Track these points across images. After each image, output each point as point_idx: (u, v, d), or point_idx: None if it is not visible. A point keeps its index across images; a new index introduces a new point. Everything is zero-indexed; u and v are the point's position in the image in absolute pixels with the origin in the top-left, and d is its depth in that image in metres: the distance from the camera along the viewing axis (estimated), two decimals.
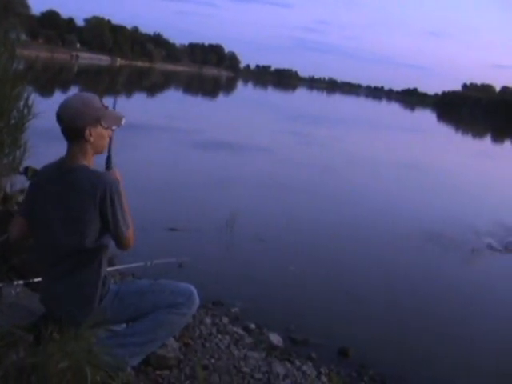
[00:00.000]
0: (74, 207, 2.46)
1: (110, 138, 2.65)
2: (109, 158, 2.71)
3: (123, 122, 2.59)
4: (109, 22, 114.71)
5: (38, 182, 2.62)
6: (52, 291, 2.57)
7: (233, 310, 4.53)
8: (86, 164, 2.49)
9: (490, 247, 7.62)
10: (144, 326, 2.65)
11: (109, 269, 2.85)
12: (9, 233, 2.77)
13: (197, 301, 2.76)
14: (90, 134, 2.46)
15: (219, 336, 3.83)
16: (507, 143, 39.94)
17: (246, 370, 3.40)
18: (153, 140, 13.56)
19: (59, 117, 2.46)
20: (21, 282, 3.34)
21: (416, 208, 10.03)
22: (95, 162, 2.58)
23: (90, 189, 2.42)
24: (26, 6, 78.73)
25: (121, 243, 2.55)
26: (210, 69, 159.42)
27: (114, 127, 2.56)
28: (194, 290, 2.76)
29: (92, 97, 2.54)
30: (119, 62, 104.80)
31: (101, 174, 2.48)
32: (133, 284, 2.78)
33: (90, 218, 2.44)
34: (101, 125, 2.50)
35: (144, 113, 18.87)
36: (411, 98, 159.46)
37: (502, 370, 4.40)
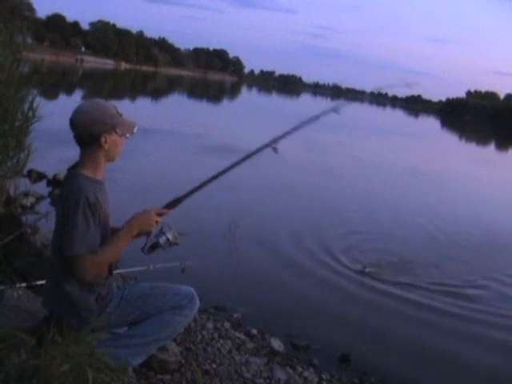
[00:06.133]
0: (58, 216, 2.47)
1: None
2: (177, 201, 2.70)
3: (136, 129, 2.59)
4: (114, 25, 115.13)
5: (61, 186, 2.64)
6: (52, 294, 2.56)
7: (235, 315, 4.52)
8: (84, 173, 2.47)
9: None
10: (148, 327, 2.67)
11: None
12: None
13: (197, 303, 2.80)
14: (106, 141, 2.46)
15: (221, 341, 3.84)
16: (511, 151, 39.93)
17: (247, 375, 3.40)
18: (157, 144, 13.57)
19: (73, 122, 2.45)
20: (23, 284, 3.34)
21: (418, 211, 10.03)
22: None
23: (66, 199, 2.41)
24: (32, 10, 79.15)
25: (71, 265, 2.39)
26: (214, 74, 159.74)
27: (127, 135, 2.55)
28: (195, 293, 2.79)
29: (107, 104, 2.54)
30: (124, 66, 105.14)
31: (79, 186, 2.40)
32: (136, 288, 2.78)
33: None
34: (116, 132, 2.49)
35: (149, 117, 18.89)
36: (415, 105, 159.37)
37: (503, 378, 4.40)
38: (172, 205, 2.70)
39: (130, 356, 2.64)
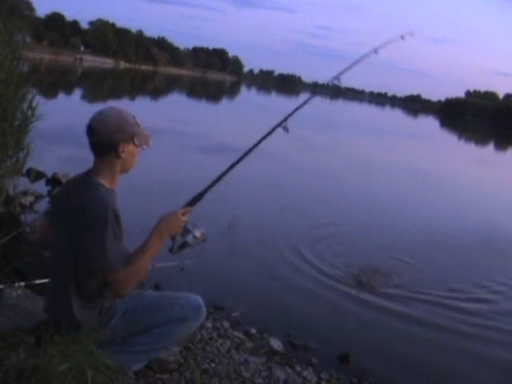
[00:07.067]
0: (69, 223, 2.37)
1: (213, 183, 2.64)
2: (199, 197, 2.65)
3: (151, 142, 2.52)
4: (113, 24, 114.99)
5: (64, 188, 2.53)
6: (55, 304, 2.53)
7: (234, 315, 4.52)
8: (101, 182, 2.38)
9: None
10: (153, 336, 2.65)
11: None
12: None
13: (204, 313, 2.77)
14: (123, 151, 2.39)
15: (220, 340, 3.83)
16: (510, 151, 39.96)
17: (246, 374, 3.40)
18: (155, 143, 13.57)
19: (92, 129, 2.36)
20: (22, 283, 3.34)
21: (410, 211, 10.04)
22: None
23: (85, 210, 2.30)
24: (32, 9, 79.08)
25: (106, 281, 2.33)
26: (213, 73, 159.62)
27: (144, 146, 2.49)
28: (202, 302, 2.75)
29: (127, 112, 2.47)
30: (123, 65, 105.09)
31: (104, 198, 2.32)
32: (142, 299, 2.67)
33: (75, 237, 2.33)
34: (133, 142, 2.43)
35: (149, 116, 18.88)
36: (414, 105, 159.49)
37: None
38: (194, 201, 2.63)
39: (132, 361, 2.65)
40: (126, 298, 2.58)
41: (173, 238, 2.57)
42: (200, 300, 2.76)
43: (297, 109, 3.11)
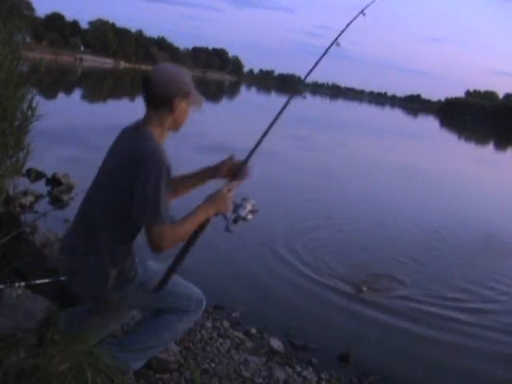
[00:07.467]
0: (114, 167, 2.40)
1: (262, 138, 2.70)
2: (251, 153, 2.67)
3: (203, 105, 2.53)
4: (113, 24, 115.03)
5: (118, 138, 2.52)
6: (75, 256, 2.49)
7: (234, 315, 4.52)
8: (152, 132, 2.38)
9: None
10: (150, 332, 2.64)
11: None
12: None
13: (203, 307, 2.77)
14: (176, 106, 2.41)
15: (220, 340, 3.83)
16: (510, 151, 39.96)
17: (246, 374, 3.40)
18: None
19: (150, 81, 2.39)
20: (22, 283, 3.34)
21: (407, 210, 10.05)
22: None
23: (133, 156, 2.30)
24: (32, 9, 79.06)
25: (147, 234, 2.34)
26: (213, 73, 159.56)
27: (196, 106, 2.50)
28: (204, 297, 2.76)
29: (186, 70, 2.51)
30: (123, 65, 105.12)
31: (160, 151, 2.33)
32: (156, 277, 2.58)
33: (118, 185, 2.35)
34: (187, 100, 2.44)
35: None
36: (414, 105, 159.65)
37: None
38: (248, 157, 2.68)
39: (132, 360, 2.64)
40: (147, 268, 2.56)
41: (225, 217, 2.57)
42: (202, 294, 2.76)
43: (310, 71, 3.21)
